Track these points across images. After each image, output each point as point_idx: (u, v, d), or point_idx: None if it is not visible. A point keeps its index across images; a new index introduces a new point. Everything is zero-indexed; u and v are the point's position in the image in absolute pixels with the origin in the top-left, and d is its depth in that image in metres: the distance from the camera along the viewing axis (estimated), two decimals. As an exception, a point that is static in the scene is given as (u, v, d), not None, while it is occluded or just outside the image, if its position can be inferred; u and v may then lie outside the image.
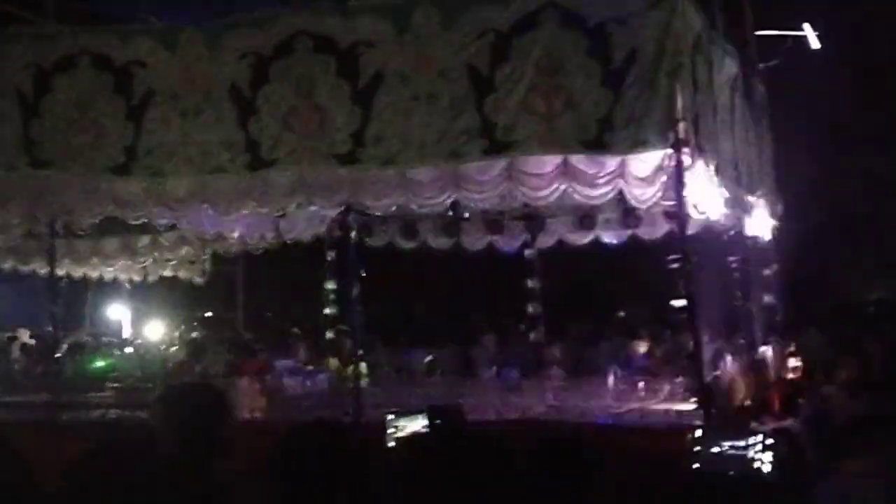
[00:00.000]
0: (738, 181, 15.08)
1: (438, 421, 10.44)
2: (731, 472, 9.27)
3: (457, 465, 3.02)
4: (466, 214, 19.55)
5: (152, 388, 16.57)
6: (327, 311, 21.31)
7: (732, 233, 15.63)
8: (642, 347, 19.33)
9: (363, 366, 15.24)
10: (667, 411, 13.72)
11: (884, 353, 18.38)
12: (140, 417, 14.16)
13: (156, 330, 25.24)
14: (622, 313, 23.50)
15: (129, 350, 23.21)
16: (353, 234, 15.33)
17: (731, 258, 16.18)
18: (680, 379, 14.26)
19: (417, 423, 10.92)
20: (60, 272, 20.20)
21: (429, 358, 21.37)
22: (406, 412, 11.30)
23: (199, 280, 24.55)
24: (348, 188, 13.54)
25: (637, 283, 21.90)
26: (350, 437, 4.29)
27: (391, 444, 10.66)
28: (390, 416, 11.14)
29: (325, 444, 4.13)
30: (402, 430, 10.91)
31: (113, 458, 3.83)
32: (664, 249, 14.24)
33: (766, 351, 17.17)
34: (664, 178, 12.31)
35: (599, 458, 5.41)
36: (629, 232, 19.48)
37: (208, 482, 4.25)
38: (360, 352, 15.30)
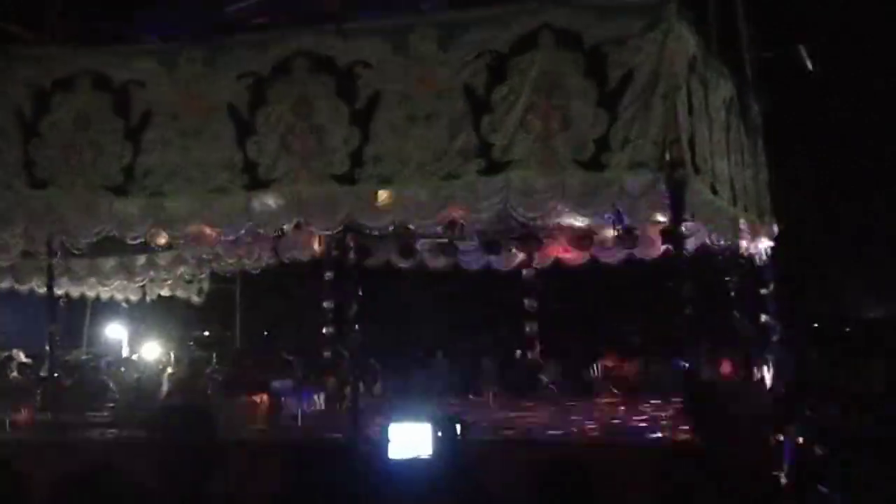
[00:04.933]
0: (733, 201, 15.14)
1: (440, 432, 10.44)
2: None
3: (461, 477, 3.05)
4: (463, 234, 19.63)
5: (150, 407, 16.57)
6: (325, 330, 21.35)
7: (728, 253, 15.66)
8: (639, 366, 19.38)
9: (360, 385, 15.27)
10: (664, 429, 13.74)
11: (887, 373, 18.43)
12: (138, 437, 14.17)
13: (154, 349, 25.23)
14: (620, 332, 23.58)
15: (126, 369, 23.16)
16: (350, 253, 15.39)
17: (728, 278, 16.21)
18: (677, 398, 14.29)
19: (421, 432, 10.91)
20: (58, 291, 20.21)
21: (426, 377, 21.41)
22: (409, 421, 11.29)
23: (196, 299, 24.57)
24: (346, 208, 13.55)
25: (634, 303, 21.96)
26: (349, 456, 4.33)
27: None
28: (393, 425, 11.13)
29: (325, 461, 4.17)
30: (405, 439, 10.89)
31: (107, 476, 3.87)
32: (661, 269, 14.29)
33: (764, 370, 17.22)
34: (661, 198, 12.36)
35: (597, 477, 5.44)
36: (626, 252, 19.51)
37: (202, 500, 4.28)
38: (358, 371, 15.33)
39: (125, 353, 26.28)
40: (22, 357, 22.39)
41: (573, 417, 15.73)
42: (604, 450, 12.58)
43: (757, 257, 17.69)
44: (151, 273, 22.97)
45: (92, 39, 15.37)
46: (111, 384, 20.58)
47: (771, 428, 14.05)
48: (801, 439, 13.94)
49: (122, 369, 22.82)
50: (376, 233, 17.19)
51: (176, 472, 4.32)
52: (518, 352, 21.99)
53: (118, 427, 15.49)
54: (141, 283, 23.72)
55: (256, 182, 13.54)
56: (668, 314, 12.56)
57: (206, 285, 24.12)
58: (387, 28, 13.38)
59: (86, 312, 25.77)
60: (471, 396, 20.35)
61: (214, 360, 22.17)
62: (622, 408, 16.87)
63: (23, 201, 14.59)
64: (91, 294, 24.00)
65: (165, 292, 24.29)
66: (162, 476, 4.30)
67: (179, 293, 24.38)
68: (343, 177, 13.23)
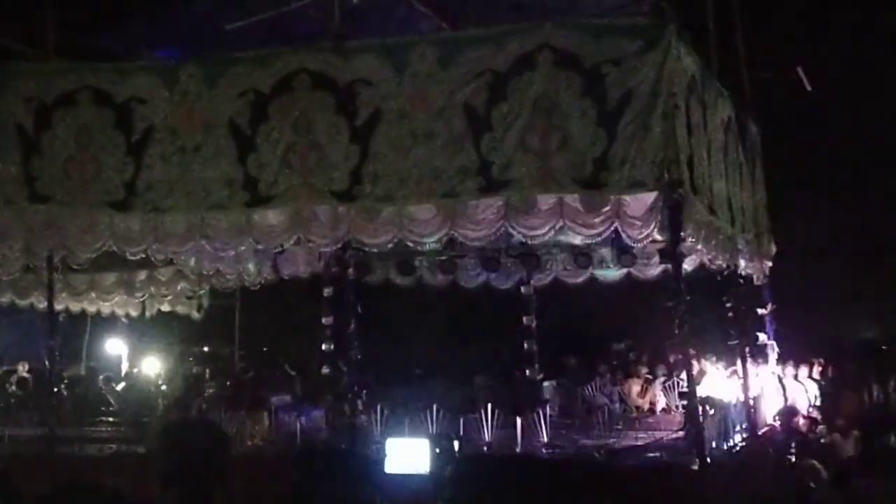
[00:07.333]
0: (731, 221, 15.18)
1: (438, 450, 10.48)
2: None
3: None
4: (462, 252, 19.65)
5: (149, 422, 16.57)
6: (324, 347, 21.34)
7: (727, 272, 15.69)
8: (637, 385, 19.40)
9: (359, 402, 15.27)
10: (663, 449, 13.74)
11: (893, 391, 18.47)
12: (137, 452, 14.18)
13: (153, 365, 25.20)
14: (617, 347, 23.58)
15: (126, 385, 23.14)
16: (350, 270, 15.39)
17: (726, 297, 16.23)
18: (675, 416, 14.32)
19: (418, 448, 10.94)
20: (59, 307, 20.21)
21: (425, 395, 21.38)
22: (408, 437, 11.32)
23: (196, 315, 24.56)
24: (346, 225, 13.60)
25: (632, 322, 21.96)
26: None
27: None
28: (391, 440, 11.17)
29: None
30: (403, 454, 10.91)
31: (105, 490, 3.89)
32: (659, 288, 14.28)
33: (763, 390, 17.24)
34: (659, 217, 12.38)
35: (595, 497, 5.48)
36: (624, 270, 19.54)
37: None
38: (356, 388, 15.34)
39: (125, 368, 26.25)
40: (24, 371, 22.39)
41: (573, 436, 15.72)
42: (603, 469, 12.57)
43: (755, 277, 17.73)
44: (152, 289, 22.99)
45: (92, 55, 15.44)
46: (110, 399, 20.58)
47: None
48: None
49: (121, 386, 22.76)
50: (375, 250, 17.20)
51: (185, 485, 4.37)
52: (517, 369, 21.97)
53: (118, 441, 15.46)
54: (141, 299, 23.74)
55: (257, 198, 13.60)
56: (665, 333, 12.60)
57: (205, 301, 24.13)
58: (387, 47, 13.45)
59: (86, 327, 25.75)
60: (469, 414, 20.30)
61: (207, 375, 22.15)
62: (621, 426, 16.85)
63: (23, 216, 14.65)
64: (91, 309, 24.01)
65: (165, 308, 24.30)
66: (166, 490, 4.34)
67: (179, 309, 24.39)
68: (343, 194, 13.29)
